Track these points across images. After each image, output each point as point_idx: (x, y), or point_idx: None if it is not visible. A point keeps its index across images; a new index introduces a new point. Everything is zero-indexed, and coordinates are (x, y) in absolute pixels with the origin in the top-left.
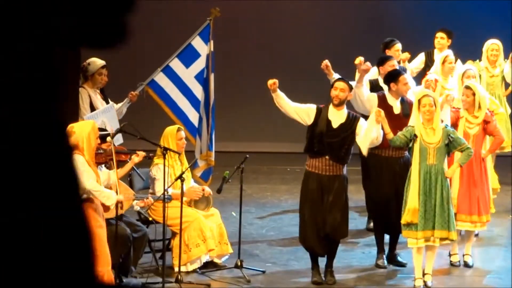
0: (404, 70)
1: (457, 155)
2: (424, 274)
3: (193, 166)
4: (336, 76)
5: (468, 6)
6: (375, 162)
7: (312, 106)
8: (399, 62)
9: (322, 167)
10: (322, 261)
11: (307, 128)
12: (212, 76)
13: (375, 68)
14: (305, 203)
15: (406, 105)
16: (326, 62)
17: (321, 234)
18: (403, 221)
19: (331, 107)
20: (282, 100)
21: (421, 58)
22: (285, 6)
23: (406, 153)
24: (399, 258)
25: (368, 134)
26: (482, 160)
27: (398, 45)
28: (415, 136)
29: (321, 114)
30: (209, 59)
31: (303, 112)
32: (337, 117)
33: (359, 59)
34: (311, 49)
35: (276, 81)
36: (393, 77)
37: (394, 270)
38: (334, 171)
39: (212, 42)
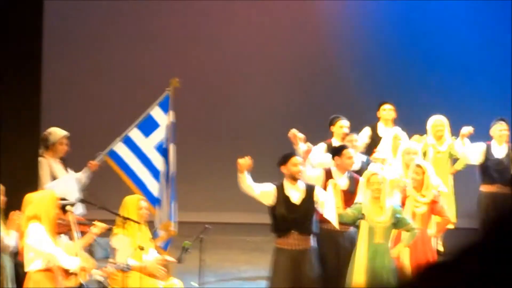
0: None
1: (403, 233)
2: None
3: (153, 236)
4: (302, 146)
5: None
6: (319, 236)
7: (270, 186)
8: (343, 139)
9: (291, 242)
10: None
11: (268, 208)
12: (172, 147)
13: (322, 144)
14: (276, 277)
15: (353, 181)
16: (294, 131)
17: None
18: None
19: (286, 182)
20: (247, 183)
21: (366, 133)
22: (247, 78)
23: (351, 228)
24: None
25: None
26: (429, 240)
27: (343, 122)
28: (363, 214)
29: (279, 192)
30: (169, 129)
31: (268, 195)
32: (294, 191)
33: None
34: (270, 120)
35: (249, 161)
36: (337, 151)
37: None
38: (303, 245)
39: (171, 112)
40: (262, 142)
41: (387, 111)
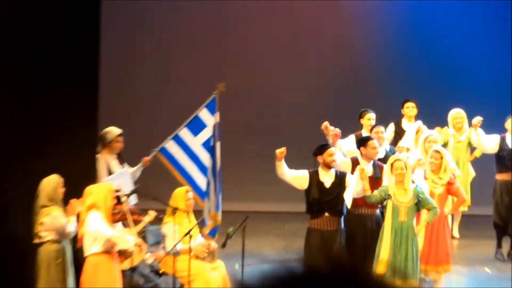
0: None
1: (424, 212)
2: None
3: (202, 224)
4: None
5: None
6: (350, 219)
7: (305, 172)
8: (370, 130)
9: (323, 223)
10: None
11: (304, 192)
12: (218, 144)
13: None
14: (309, 256)
15: (377, 169)
16: (326, 123)
17: None
18: (377, 271)
19: (321, 170)
20: (283, 170)
21: (391, 128)
22: (282, 80)
23: (377, 211)
24: None
25: (354, 189)
26: (445, 218)
27: (370, 115)
28: (389, 195)
29: (313, 178)
30: (215, 129)
31: (299, 180)
32: (328, 177)
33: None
34: (304, 118)
35: (284, 150)
36: (362, 142)
37: None
38: (334, 226)
39: (218, 113)
40: (296, 138)
41: (410, 109)
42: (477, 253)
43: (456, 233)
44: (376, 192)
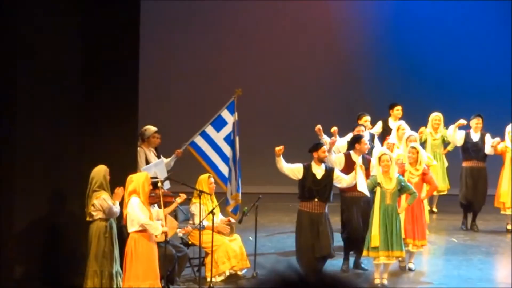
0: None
1: (404, 197)
2: (382, 278)
3: (225, 203)
4: (325, 137)
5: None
6: (345, 200)
7: (300, 165)
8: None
9: (312, 207)
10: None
11: (298, 182)
12: (237, 138)
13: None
14: (300, 233)
15: (366, 161)
16: (319, 126)
17: (316, 255)
18: (371, 245)
19: (313, 164)
20: (281, 164)
21: (379, 124)
22: (292, 81)
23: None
24: (362, 265)
25: (355, 180)
26: (421, 201)
27: (367, 117)
28: (378, 183)
29: (307, 170)
30: (235, 126)
31: (294, 171)
32: (320, 170)
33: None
34: (304, 117)
35: (282, 148)
36: (357, 140)
37: (357, 273)
38: (321, 210)
39: (236, 113)
40: (299, 131)
41: (399, 111)
42: (447, 225)
43: (435, 209)
44: (368, 181)
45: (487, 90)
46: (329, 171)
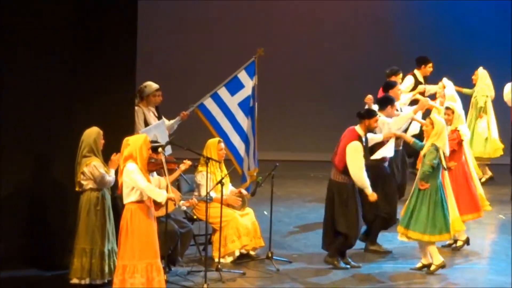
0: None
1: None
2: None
3: (242, 180)
4: (374, 106)
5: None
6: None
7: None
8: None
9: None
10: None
11: None
12: (256, 105)
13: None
14: (347, 206)
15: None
16: (370, 96)
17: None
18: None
19: (360, 131)
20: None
21: (411, 79)
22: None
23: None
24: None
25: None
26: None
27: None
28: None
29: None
30: (255, 91)
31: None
32: (364, 138)
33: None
34: (339, 79)
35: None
36: (390, 102)
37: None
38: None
39: (256, 76)
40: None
41: (431, 68)
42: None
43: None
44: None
45: None
46: (366, 141)
